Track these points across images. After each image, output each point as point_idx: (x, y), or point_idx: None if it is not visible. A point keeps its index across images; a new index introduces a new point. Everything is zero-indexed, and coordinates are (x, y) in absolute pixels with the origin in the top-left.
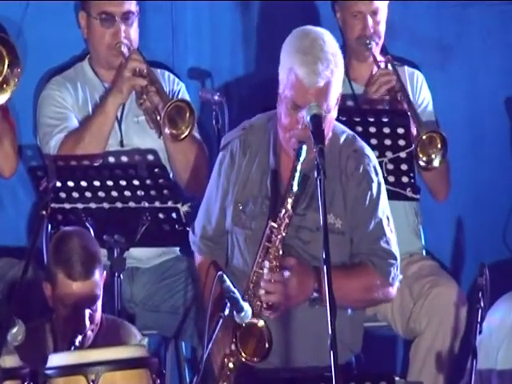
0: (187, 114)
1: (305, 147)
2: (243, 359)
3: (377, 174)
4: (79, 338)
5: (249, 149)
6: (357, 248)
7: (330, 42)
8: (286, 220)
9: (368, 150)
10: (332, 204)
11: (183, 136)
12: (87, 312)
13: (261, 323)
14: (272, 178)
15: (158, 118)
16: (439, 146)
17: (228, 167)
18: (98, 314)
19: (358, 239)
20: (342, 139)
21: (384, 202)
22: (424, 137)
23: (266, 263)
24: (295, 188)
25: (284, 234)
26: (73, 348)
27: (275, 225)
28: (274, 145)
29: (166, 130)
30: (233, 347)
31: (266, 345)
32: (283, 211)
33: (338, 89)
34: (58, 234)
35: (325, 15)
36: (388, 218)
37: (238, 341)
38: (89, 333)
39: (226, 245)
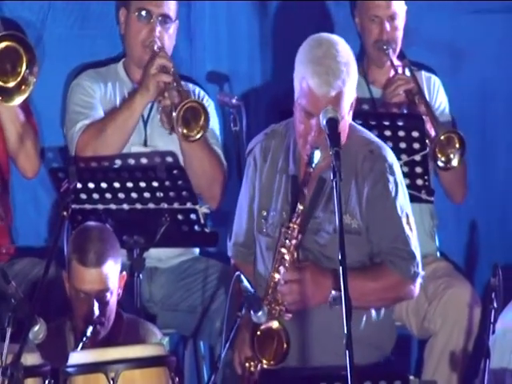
0: (201, 118)
1: (317, 152)
2: (264, 365)
3: (393, 174)
4: (90, 328)
5: (269, 154)
6: (377, 248)
7: (344, 52)
8: (298, 225)
9: (385, 151)
10: (348, 204)
11: (193, 138)
12: (95, 302)
13: (276, 325)
14: (292, 184)
15: (174, 114)
16: (457, 145)
17: (252, 173)
18: (110, 309)
19: (377, 239)
20: (360, 141)
21: (402, 201)
22: (442, 137)
23: (282, 268)
24: (306, 192)
25: (298, 240)
26: (85, 339)
27: (288, 230)
28: (294, 151)
29: (179, 129)
30: (252, 353)
31: (285, 345)
32: (295, 217)
33: (350, 96)
34: (80, 226)
35: (339, 19)
36: (407, 216)
37: (257, 346)
38: (99, 326)
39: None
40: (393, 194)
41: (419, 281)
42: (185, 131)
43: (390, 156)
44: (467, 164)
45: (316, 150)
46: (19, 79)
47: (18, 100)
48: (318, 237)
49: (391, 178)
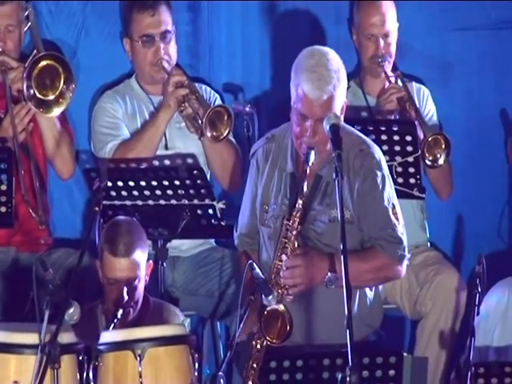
0: (225, 118)
1: (313, 152)
2: (268, 342)
3: (381, 169)
4: (120, 311)
5: (270, 155)
6: (367, 235)
7: (334, 60)
8: (298, 218)
9: (373, 149)
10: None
11: (223, 137)
12: (125, 288)
13: (281, 308)
14: (290, 181)
15: (200, 122)
16: (443, 146)
17: (255, 174)
18: (138, 294)
19: (367, 227)
20: (351, 141)
21: (389, 192)
22: (430, 139)
23: (284, 256)
24: (305, 189)
25: (298, 230)
26: (115, 320)
27: (289, 223)
28: (292, 150)
29: (208, 133)
30: (259, 331)
31: (288, 327)
32: (295, 210)
33: (341, 100)
34: (111, 220)
35: (339, 37)
36: (394, 206)
37: (263, 325)
38: (129, 309)
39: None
40: (380, 187)
41: (405, 262)
42: (214, 133)
43: (378, 153)
44: (456, 164)
45: (311, 150)
46: (57, 93)
47: (56, 112)
48: (315, 226)
49: (379, 173)
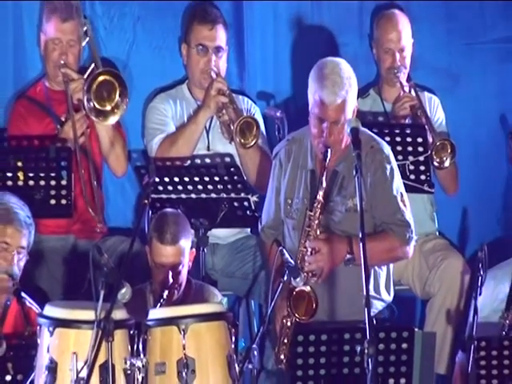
0: (254, 129)
1: (329, 151)
2: (297, 319)
3: (389, 162)
4: (166, 292)
5: (292, 155)
6: (379, 220)
7: (345, 69)
8: (319, 209)
9: (382, 145)
10: (355, 190)
11: (249, 145)
12: (170, 272)
13: (308, 289)
14: (310, 177)
15: (232, 128)
16: (449, 150)
17: (278, 172)
18: (182, 278)
19: (379, 214)
20: (363, 139)
21: (397, 182)
22: (438, 143)
23: (308, 243)
24: (324, 184)
25: (319, 220)
26: (162, 300)
27: (311, 213)
28: (311, 150)
29: (237, 139)
30: (288, 310)
31: (314, 305)
32: (316, 202)
33: (353, 103)
34: (160, 211)
35: (356, 50)
36: (402, 194)
37: (292, 305)
38: (173, 291)
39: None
40: (389, 178)
41: (413, 243)
42: (242, 140)
43: (386, 149)
44: (462, 163)
45: (328, 148)
46: (113, 104)
47: (112, 120)
48: (333, 215)
49: (388, 166)
